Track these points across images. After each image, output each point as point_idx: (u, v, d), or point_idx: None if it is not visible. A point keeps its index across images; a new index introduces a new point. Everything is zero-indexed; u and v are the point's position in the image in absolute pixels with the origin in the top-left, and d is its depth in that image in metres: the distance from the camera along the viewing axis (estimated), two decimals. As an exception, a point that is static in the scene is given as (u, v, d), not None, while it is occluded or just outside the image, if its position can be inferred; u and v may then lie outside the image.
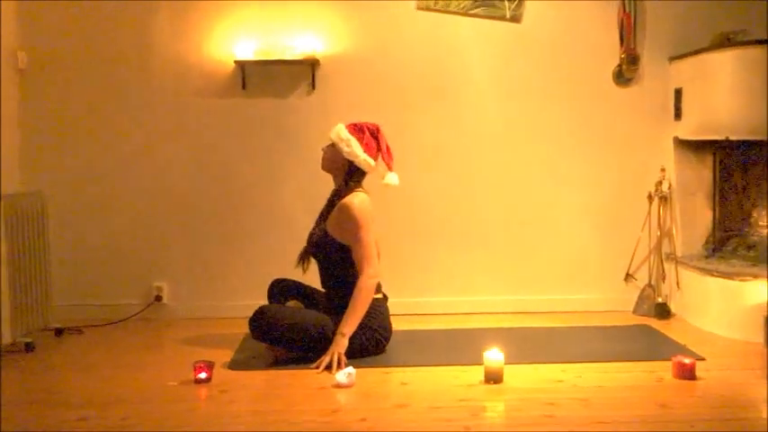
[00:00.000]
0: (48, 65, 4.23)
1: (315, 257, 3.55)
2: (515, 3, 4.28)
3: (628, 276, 4.38)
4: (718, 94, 4.00)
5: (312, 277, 3.61)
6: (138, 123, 4.29)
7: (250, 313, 3.38)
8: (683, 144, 4.29)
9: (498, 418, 2.85)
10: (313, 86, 4.29)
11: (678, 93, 4.25)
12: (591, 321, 4.13)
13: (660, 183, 4.31)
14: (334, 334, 3.32)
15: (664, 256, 4.33)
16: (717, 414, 2.78)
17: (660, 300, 4.25)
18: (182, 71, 4.26)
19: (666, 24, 4.32)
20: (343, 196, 3.45)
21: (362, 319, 3.35)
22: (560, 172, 4.37)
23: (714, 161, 4.27)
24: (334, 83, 4.29)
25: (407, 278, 4.29)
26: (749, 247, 4.14)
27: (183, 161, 4.31)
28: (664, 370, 3.20)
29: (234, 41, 4.22)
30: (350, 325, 3.32)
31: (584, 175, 4.38)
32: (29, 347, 3.64)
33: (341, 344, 3.29)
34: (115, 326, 4.14)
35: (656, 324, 4.06)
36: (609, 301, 4.36)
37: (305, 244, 3.58)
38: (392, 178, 3.54)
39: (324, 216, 3.56)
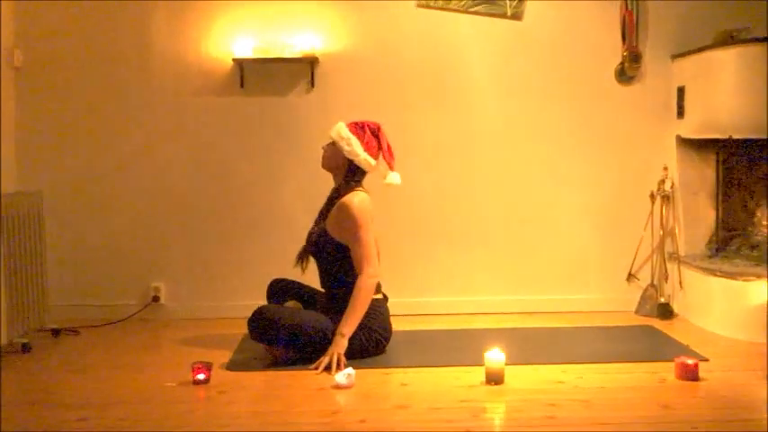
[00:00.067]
0: (44, 63, 4.24)
1: (314, 257, 3.56)
2: (516, 0, 4.29)
3: (630, 276, 4.40)
4: (721, 92, 4.01)
5: (311, 277, 3.62)
6: (136, 122, 4.30)
7: (249, 313, 3.39)
8: (685, 143, 4.30)
9: (499, 420, 2.86)
10: (312, 85, 4.30)
11: (681, 91, 4.26)
12: (593, 322, 4.14)
13: (663, 182, 4.32)
14: (333, 334, 3.33)
15: (666, 256, 4.34)
16: (720, 415, 2.79)
17: (663, 300, 4.27)
18: (180, 70, 4.27)
19: (669, 22, 4.33)
20: (343, 195, 3.46)
21: (362, 320, 3.36)
22: (562, 171, 4.38)
23: (717, 160, 4.28)
24: (333, 81, 4.30)
25: (408, 278, 4.30)
26: (753, 247, 4.15)
27: (180, 160, 4.32)
28: (666, 371, 3.21)
29: (232, 39, 4.23)
30: (349, 325, 3.33)
31: (585, 174, 4.39)
32: (26, 348, 3.65)
33: (340, 344, 3.30)
34: (112, 326, 4.15)
35: (658, 324, 4.07)
36: (611, 302, 4.37)
37: (304, 243, 3.59)
38: (394, 178, 3.54)
39: (323, 215, 3.57)
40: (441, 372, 3.26)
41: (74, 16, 4.23)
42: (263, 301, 3.65)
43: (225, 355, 3.50)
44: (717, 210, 4.29)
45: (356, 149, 3.45)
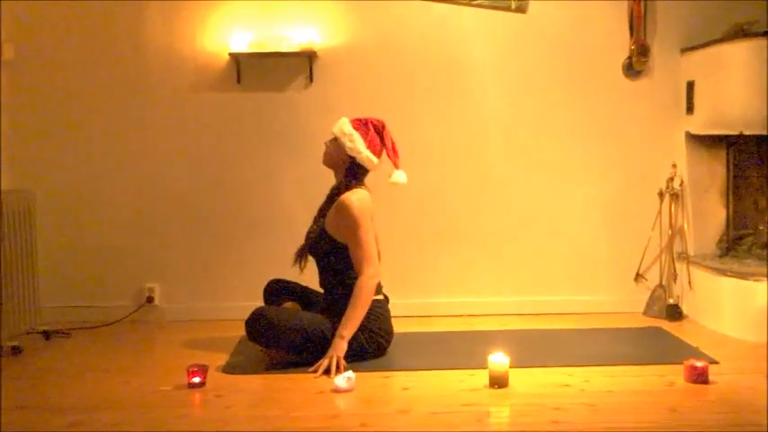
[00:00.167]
0: (36, 57, 4.24)
1: (313, 256, 3.56)
2: (521, -8, 4.29)
3: (638, 276, 4.39)
4: (731, 87, 4.00)
5: (310, 277, 3.61)
6: (129, 118, 4.29)
7: (246, 315, 3.38)
8: (695, 139, 4.30)
9: (503, 424, 2.86)
10: (311, 80, 4.29)
11: (690, 86, 4.26)
12: (599, 323, 4.14)
13: (671, 179, 4.31)
14: (333, 336, 3.33)
15: (675, 256, 4.34)
16: (730, 419, 2.79)
17: (671, 301, 4.26)
18: (175, 64, 4.27)
19: (678, 14, 4.33)
20: (343, 193, 3.46)
21: (362, 321, 3.36)
22: (568, 168, 4.38)
23: (727, 157, 4.28)
24: (332, 76, 4.29)
25: (409, 278, 4.30)
26: (764, 246, 4.15)
27: (175, 157, 4.32)
28: (675, 374, 3.20)
29: (228, 33, 4.22)
30: (349, 327, 3.33)
31: (592, 172, 4.38)
32: (16, 351, 3.65)
33: (340, 347, 3.30)
34: (105, 328, 4.15)
35: (667, 326, 4.07)
36: (618, 303, 4.37)
37: (303, 242, 3.59)
38: (399, 176, 3.53)
39: (323, 212, 3.56)
40: (443, 375, 3.26)
41: (66, 8, 4.23)
42: (261, 302, 3.65)
43: (221, 358, 3.51)
44: (727, 208, 4.29)
45: (358, 146, 3.45)
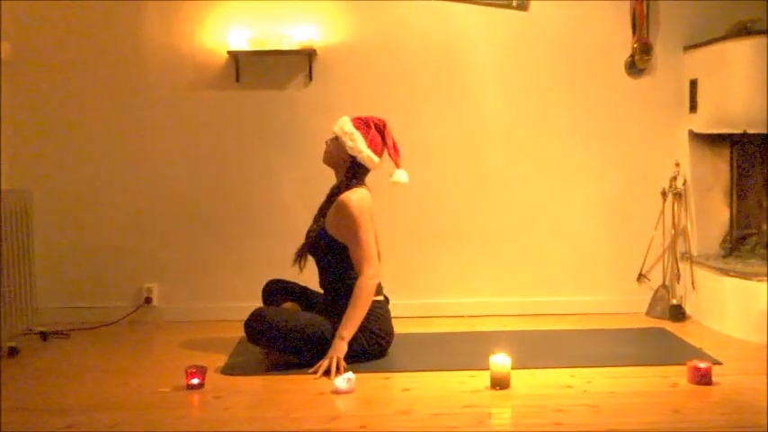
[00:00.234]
0: (34, 56, 4.24)
1: (313, 255, 3.56)
2: (522, -10, 4.29)
3: (640, 277, 4.40)
4: (735, 85, 4.01)
5: (310, 277, 3.62)
6: (128, 118, 4.30)
7: (245, 315, 3.39)
8: (698, 138, 4.30)
9: (505, 426, 2.86)
10: (310, 78, 4.30)
11: (693, 84, 4.26)
12: (602, 324, 4.15)
13: (674, 178, 4.32)
14: (333, 337, 3.33)
15: (678, 256, 4.34)
16: (733, 421, 2.79)
17: (674, 301, 4.27)
18: (173, 62, 4.27)
19: (681, 12, 4.33)
20: (343, 192, 3.46)
21: (363, 322, 3.37)
22: (569, 168, 4.38)
23: (731, 156, 4.28)
24: (332, 74, 4.30)
25: (410, 279, 4.31)
26: (768, 246, 4.16)
27: (173, 156, 4.32)
28: (678, 375, 3.21)
29: (227, 31, 4.23)
30: (349, 328, 3.33)
31: (594, 171, 4.39)
32: (13, 352, 3.65)
33: (340, 348, 3.30)
34: (103, 329, 4.16)
35: (670, 327, 4.08)
36: (621, 303, 4.37)
37: (303, 242, 3.59)
38: (401, 176, 3.53)
39: (323, 212, 3.56)
40: (444, 376, 3.27)
41: (65, 8, 4.23)
42: (260, 303, 3.65)
43: (220, 359, 3.51)
44: (731, 207, 4.30)
45: (359, 145, 3.45)
